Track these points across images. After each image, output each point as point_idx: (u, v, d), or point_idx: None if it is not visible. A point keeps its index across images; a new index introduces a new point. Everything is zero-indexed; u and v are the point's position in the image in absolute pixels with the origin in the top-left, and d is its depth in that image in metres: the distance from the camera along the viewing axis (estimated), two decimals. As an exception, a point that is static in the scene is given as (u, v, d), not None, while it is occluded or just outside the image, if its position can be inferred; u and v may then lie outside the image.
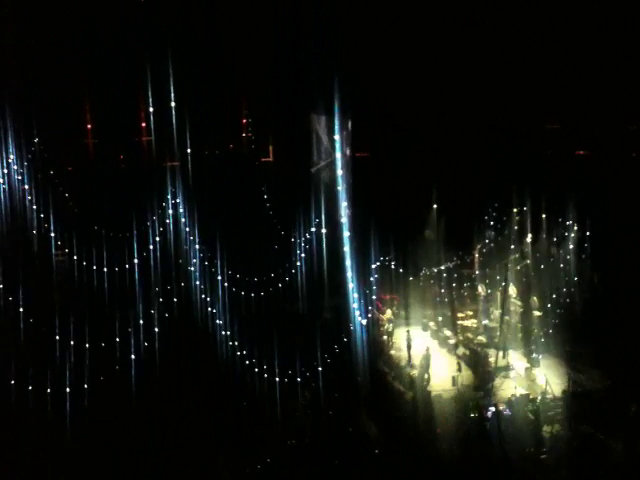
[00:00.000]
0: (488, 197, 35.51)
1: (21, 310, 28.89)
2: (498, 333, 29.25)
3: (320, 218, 34.10)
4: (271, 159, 42.60)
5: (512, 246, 31.12)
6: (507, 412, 24.34)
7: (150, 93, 33.32)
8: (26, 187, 32.71)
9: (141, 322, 29.20)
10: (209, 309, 31.19)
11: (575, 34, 33.16)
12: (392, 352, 29.82)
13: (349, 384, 27.29)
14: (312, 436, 23.64)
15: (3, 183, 31.99)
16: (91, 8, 33.45)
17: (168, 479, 21.28)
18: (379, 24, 34.11)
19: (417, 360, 28.09)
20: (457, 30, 34.56)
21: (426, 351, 27.72)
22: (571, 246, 33.68)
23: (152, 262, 32.19)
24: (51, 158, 37.13)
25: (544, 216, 33.51)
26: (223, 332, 30.03)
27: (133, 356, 27.62)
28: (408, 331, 29.78)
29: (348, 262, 29.57)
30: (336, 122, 31.81)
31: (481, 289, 33.01)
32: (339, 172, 31.88)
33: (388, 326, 31.14)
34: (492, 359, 27.89)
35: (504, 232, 33.78)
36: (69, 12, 32.79)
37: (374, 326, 31.74)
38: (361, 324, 29.63)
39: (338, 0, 32.91)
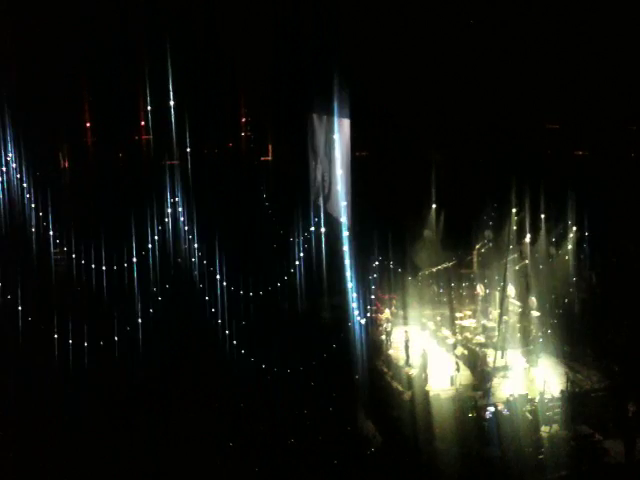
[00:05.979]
0: (487, 197, 35.55)
1: (20, 309, 28.95)
2: (496, 333, 29.23)
3: (319, 217, 34.13)
4: (270, 158, 42.64)
5: (511, 246, 31.08)
6: (506, 412, 24.34)
7: (149, 92, 33.37)
8: (25, 185, 32.75)
9: (140, 321, 29.26)
10: (208, 308, 31.23)
11: (574, 34, 33.18)
12: (390, 352, 29.80)
13: (347, 383, 27.32)
14: (311, 436, 23.65)
15: (2, 181, 32.05)
16: (91, 6, 33.44)
17: (168, 479, 21.27)
18: (379, 23, 34.10)
19: (415, 360, 28.08)
20: (457, 29, 34.58)
21: (422, 351, 27.73)
22: (570, 246, 33.71)
23: (151, 261, 32.25)
24: (50, 156, 37.17)
25: (543, 216, 33.57)
26: (222, 331, 30.09)
27: (132, 355, 27.67)
28: (406, 331, 29.78)
29: (347, 261, 29.62)
30: (335, 121, 31.85)
31: (480, 289, 33.03)
32: (338, 171, 31.94)
33: (386, 325, 31.14)
34: (490, 359, 27.88)
35: (503, 232, 33.78)
36: (69, 10, 32.79)
37: (372, 325, 31.79)
38: (360, 323, 29.69)
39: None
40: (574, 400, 24.81)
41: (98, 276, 31.84)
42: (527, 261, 32.40)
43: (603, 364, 27.75)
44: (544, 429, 24.03)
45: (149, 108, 34.41)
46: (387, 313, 32.22)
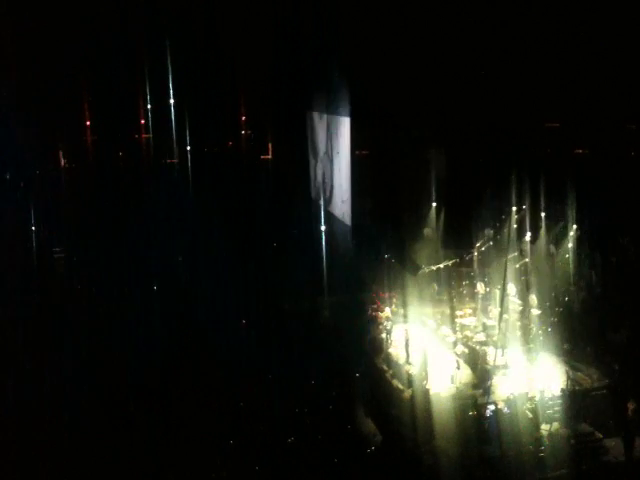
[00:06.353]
0: (487, 195, 35.55)
1: (19, 307, 28.95)
2: (497, 331, 29.26)
3: (319, 215, 34.14)
4: (270, 156, 42.57)
5: (511, 244, 31.12)
6: (506, 411, 24.37)
7: (149, 90, 33.32)
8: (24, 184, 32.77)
9: (139, 320, 29.25)
10: (208, 307, 31.21)
11: (574, 33, 33.12)
12: (391, 350, 29.82)
13: (348, 382, 27.34)
14: (311, 434, 23.67)
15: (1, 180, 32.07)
16: (91, 4, 33.40)
17: (168, 479, 21.31)
18: (379, 21, 34.04)
19: (415, 358, 28.09)
20: (457, 29, 34.49)
21: (423, 349, 27.75)
22: (570, 245, 33.73)
23: (150, 259, 32.23)
24: (50, 155, 37.13)
25: (543, 215, 33.58)
26: (222, 330, 30.08)
27: (132, 354, 27.66)
28: (407, 329, 29.80)
29: (347, 259, 29.66)
30: (335, 120, 31.86)
31: (480, 287, 33.07)
32: (338, 170, 31.96)
33: (387, 324, 31.16)
34: (490, 357, 27.90)
35: (503, 230, 33.82)
36: (69, 9, 32.74)
37: (373, 324, 31.80)
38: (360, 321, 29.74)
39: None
40: (574, 398, 24.84)
41: (97, 275, 31.84)
42: (527, 259, 32.44)
43: (603, 362, 27.78)
44: (544, 427, 24.08)
45: (149, 107, 34.34)
46: (387, 311, 32.26)
